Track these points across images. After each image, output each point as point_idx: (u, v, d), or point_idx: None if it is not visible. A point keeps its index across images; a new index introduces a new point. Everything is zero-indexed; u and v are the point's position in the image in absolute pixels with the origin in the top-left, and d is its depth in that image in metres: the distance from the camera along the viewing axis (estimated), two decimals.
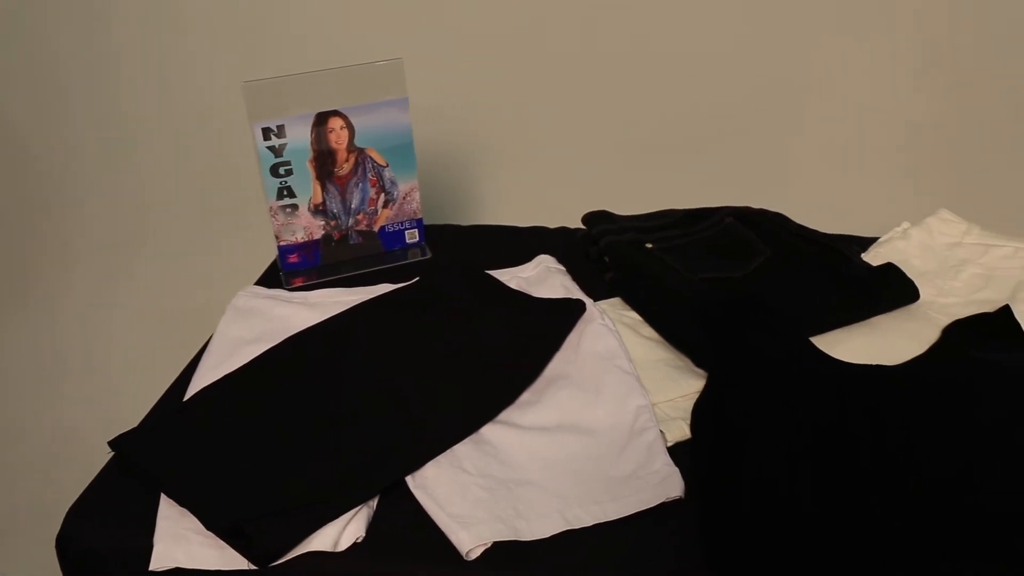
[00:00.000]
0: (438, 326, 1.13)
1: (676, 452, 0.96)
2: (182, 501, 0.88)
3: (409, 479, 0.92)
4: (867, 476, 0.88)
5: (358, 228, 1.32)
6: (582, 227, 1.35)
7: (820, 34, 1.69)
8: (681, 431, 0.98)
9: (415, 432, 0.97)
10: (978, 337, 1.06)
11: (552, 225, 1.42)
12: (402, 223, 1.34)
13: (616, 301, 1.21)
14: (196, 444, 0.95)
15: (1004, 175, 1.79)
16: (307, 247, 1.30)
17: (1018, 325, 1.07)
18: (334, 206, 1.29)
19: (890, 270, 1.19)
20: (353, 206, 1.30)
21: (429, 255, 1.36)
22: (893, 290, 1.17)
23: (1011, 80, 1.70)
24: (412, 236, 1.36)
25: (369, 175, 1.29)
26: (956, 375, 1.00)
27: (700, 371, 1.06)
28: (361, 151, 1.26)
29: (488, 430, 0.99)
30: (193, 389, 1.04)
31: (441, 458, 0.95)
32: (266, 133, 1.20)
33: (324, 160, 1.25)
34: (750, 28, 1.68)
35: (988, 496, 0.85)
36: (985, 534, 0.82)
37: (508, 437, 0.98)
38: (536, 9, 1.66)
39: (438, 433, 0.97)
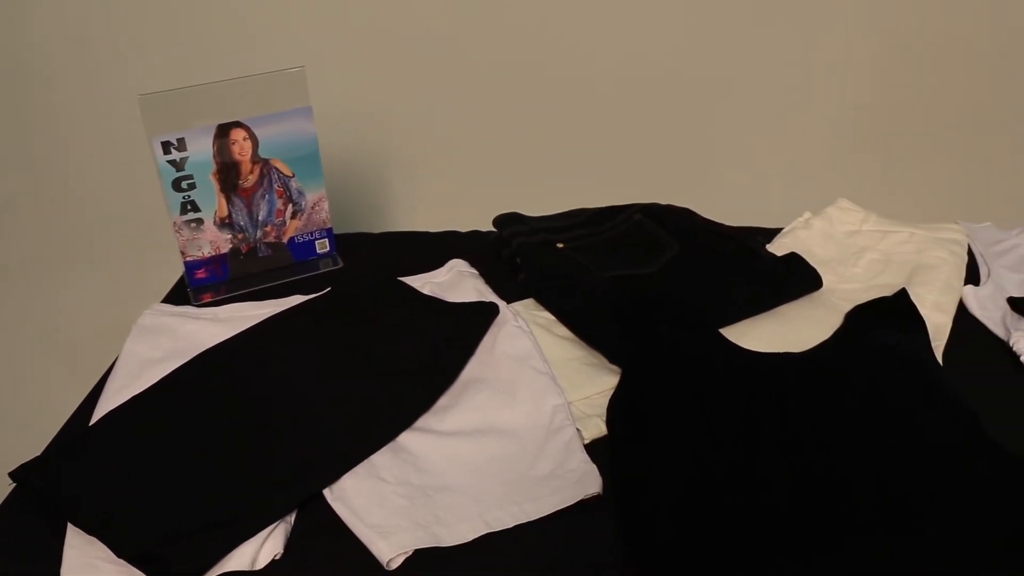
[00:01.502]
0: (351, 335, 1.12)
1: (594, 449, 0.97)
2: (90, 529, 0.85)
3: (327, 492, 0.91)
4: (776, 462, 0.90)
5: (266, 240, 1.30)
6: (494, 230, 1.35)
7: (726, 31, 1.72)
8: (598, 428, 0.99)
9: (331, 444, 0.96)
10: (878, 320, 1.10)
11: (464, 229, 1.42)
12: (312, 233, 1.33)
13: (529, 302, 1.22)
14: (103, 470, 0.93)
15: (905, 164, 1.86)
16: (215, 262, 1.27)
17: (914, 307, 1.12)
18: (241, 219, 1.26)
19: (794, 260, 1.22)
20: (260, 218, 1.28)
21: (341, 264, 1.34)
22: (797, 279, 1.20)
23: (917, 74, 1.76)
24: (323, 246, 1.34)
25: (275, 186, 1.27)
26: (858, 359, 1.03)
27: (614, 368, 1.07)
28: (266, 162, 1.24)
29: (406, 437, 0.98)
30: (99, 413, 1.01)
31: (359, 468, 0.94)
32: (166, 147, 1.17)
33: (228, 172, 1.22)
34: (656, 25, 1.71)
35: (892, 475, 0.88)
36: (889, 513, 0.85)
37: (426, 443, 0.97)
38: (439, 13, 1.66)
39: (355, 444, 0.96)
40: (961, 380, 1.04)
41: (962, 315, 1.18)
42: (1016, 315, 1.16)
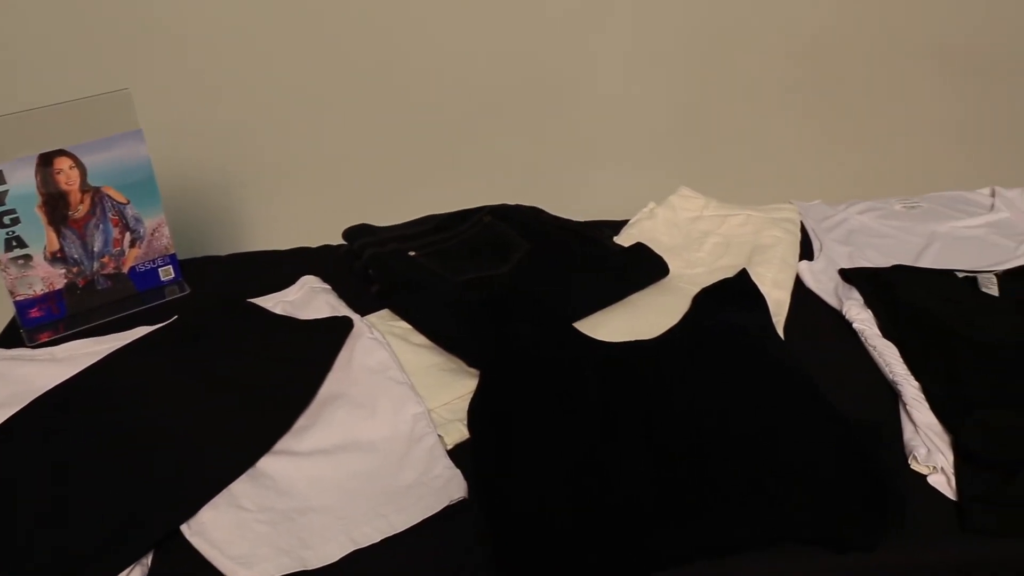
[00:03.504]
0: (202, 363, 1.08)
1: (457, 454, 0.97)
2: None
3: (185, 527, 0.88)
4: (636, 449, 0.92)
5: (105, 272, 1.24)
6: (344, 243, 1.33)
7: (561, 35, 1.75)
8: (460, 433, 1.00)
9: (186, 478, 0.92)
10: (722, 302, 1.14)
11: (314, 244, 1.40)
12: (154, 261, 1.28)
13: (385, 313, 1.21)
14: None
15: (739, 149, 1.94)
16: (49, 299, 1.21)
17: (754, 286, 1.17)
18: (74, 252, 1.20)
19: (640, 249, 1.26)
20: (96, 249, 1.22)
21: (188, 291, 1.30)
22: (644, 268, 1.23)
23: (743, 65, 1.84)
24: (167, 273, 1.30)
25: (109, 214, 1.21)
26: (706, 340, 1.07)
27: (473, 371, 1.07)
28: (97, 190, 1.19)
29: (265, 462, 0.96)
30: None
31: (218, 499, 0.91)
32: None
33: (55, 204, 1.16)
34: (495, 31, 1.72)
35: (743, 448, 0.92)
36: (744, 483, 0.88)
37: (286, 466, 0.95)
38: (272, 28, 1.63)
39: (211, 475, 0.93)
40: (802, 350, 1.10)
41: (799, 289, 1.24)
42: (847, 285, 1.23)
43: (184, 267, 1.32)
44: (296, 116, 1.72)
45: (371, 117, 1.75)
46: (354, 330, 1.13)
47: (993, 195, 1.47)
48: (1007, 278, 1.22)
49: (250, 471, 0.95)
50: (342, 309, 1.18)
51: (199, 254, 1.40)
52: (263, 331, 1.14)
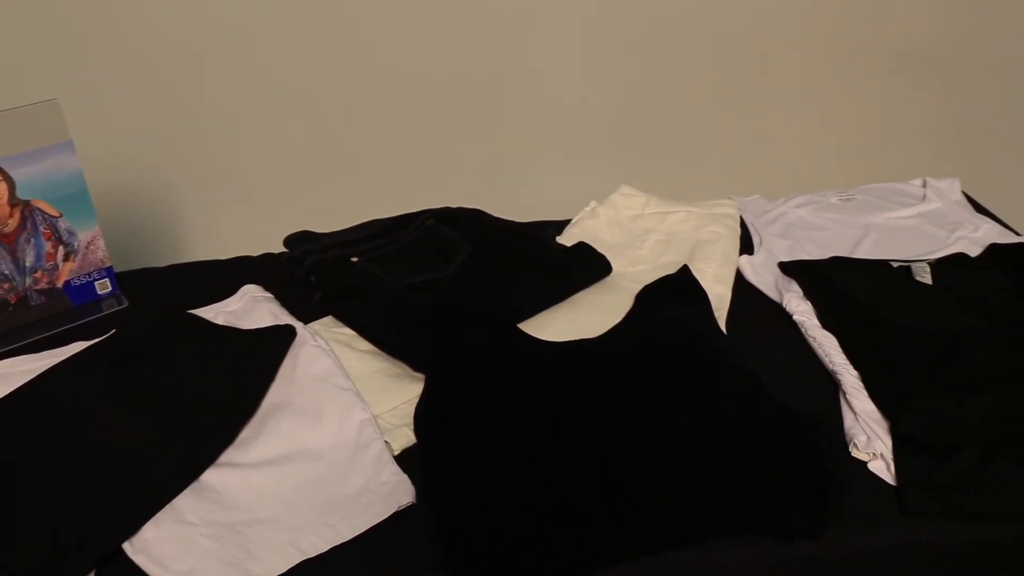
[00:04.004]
0: (142, 377, 1.06)
1: (405, 459, 0.97)
2: None
3: (127, 546, 0.86)
4: (582, 448, 0.93)
5: (38, 287, 1.21)
6: (285, 250, 1.32)
7: (507, 34, 1.76)
8: (407, 438, 0.99)
9: (128, 495, 0.91)
10: (665, 298, 1.15)
11: (255, 253, 1.38)
12: (89, 274, 1.25)
13: (328, 320, 1.20)
14: None
15: (676, 150, 1.96)
16: None
17: (696, 282, 1.18)
18: (4, 267, 1.17)
19: (582, 249, 1.27)
20: (28, 264, 1.19)
21: (126, 304, 1.27)
22: (587, 267, 1.24)
23: (680, 70, 1.86)
24: (103, 286, 1.27)
25: (41, 228, 1.18)
26: (649, 337, 1.08)
27: (418, 375, 1.07)
28: (26, 204, 1.16)
29: (209, 475, 0.94)
30: None
31: (161, 515, 0.89)
32: None
33: None
34: (437, 31, 1.72)
35: (689, 442, 0.93)
36: (691, 477, 0.89)
37: (231, 478, 0.94)
38: (202, 33, 1.61)
39: (153, 490, 0.91)
40: (744, 343, 1.12)
41: (740, 283, 1.26)
42: (787, 278, 1.25)
43: (121, 280, 1.29)
44: (232, 123, 1.70)
45: (310, 121, 1.74)
46: (297, 338, 1.11)
47: (924, 186, 1.51)
48: (939, 266, 1.25)
49: (194, 485, 0.93)
50: (285, 317, 1.17)
51: (137, 266, 1.38)
52: (204, 342, 1.12)
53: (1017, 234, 1.38)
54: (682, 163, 1.96)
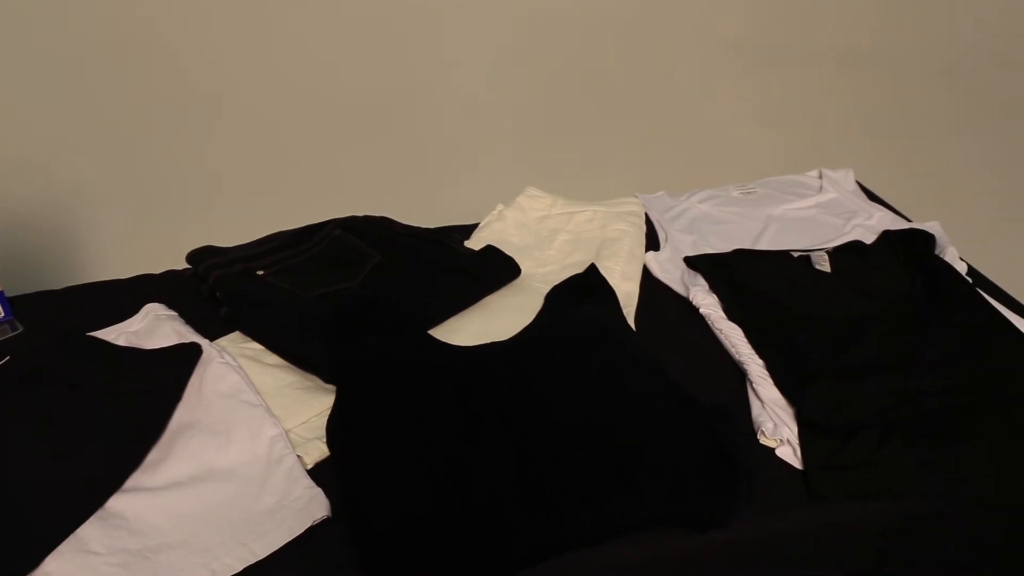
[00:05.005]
0: (41, 404, 1.02)
1: (319, 472, 0.95)
2: None
3: None
4: (498, 451, 0.93)
5: None
6: (188, 267, 1.29)
7: (416, 37, 1.75)
8: (320, 451, 0.98)
9: (28, 527, 0.87)
10: (573, 297, 1.17)
11: (157, 270, 1.35)
12: None
13: (236, 335, 1.17)
14: None
15: (581, 150, 1.98)
16: None
17: (604, 280, 1.19)
18: None
19: (491, 252, 1.27)
20: None
21: (20, 329, 1.22)
22: (496, 270, 1.24)
23: (581, 70, 1.88)
24: None
25: None
26: (559, 336, 1.09)
27: (330, 387, 1.06)
28: None
29: (115, 502, 0.92)
30: None
31: (63, 547, 0.86)
32: None
33: None
34: (339, 35, 1.70)
35: (602, 439, 0.94)
36: (606, 474, 0.90)
37: (138, 503, 0.91)
38: (82, 47, 1.56)
39: (55, 521, 0.88)
40: (653, 338, 1.13)
41: (647, 279, 1.28)
42: (692, 272, 1.27)
43: (15, 304, 1.24)
44: (127, 139, 1.65)
45: (207, 133, 1.70)
46: (203, 356, 1.09)
47: (821, 177, 1.56)
48: (837, 254, 1.29)
49: (99, 512, 0.90)
50: (190, 335, 1.14)
51: (31, 289, 1.33)
52: (106, 365, 1.08)
53: (908, 220, 1.43)
54: (587, 163, 1.98)
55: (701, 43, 1.95)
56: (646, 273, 1.29)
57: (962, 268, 1.28)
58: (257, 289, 1.20)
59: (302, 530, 0.88)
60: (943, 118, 2.27)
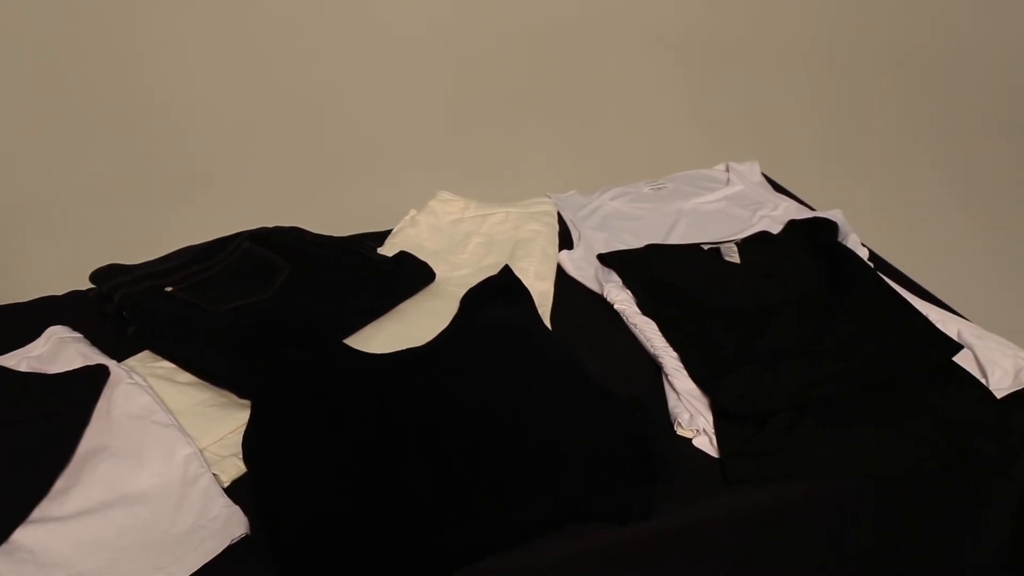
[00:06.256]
0: None
1: (236, 489, 0.94)
2: None
3: None
4: (419, 456, 0.92)
5: None
6: (93, 286, 1.25)
7: (324, 44, 1.73)
8: (236, 468, 0.96)
9: None
10: (488, 299, 1.17)
11: (59, 292, 1.30)
12: None
13: (145, 355, 1.14)
14: None
15: (493, 152, 1.99)
16: None
17: (518, 280, 1.20)
18: None
19: (405, 258, 1.26)
20: None
21: None
22: (410, 276, 1.24)
23: (490, 73, 1.89)
24: None
25: None
26: (475, 339, 1.09)
27: (245, 402, 1.04)
28: None
29: (21, 534, 0.88)
30: None
31: None
32: None
33: None
34: (249, 46, 1.67)
35: (520, 439, 0.94)
36: (527, 472, 0.91)
37: (46, 534, 0.88)
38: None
39: None
40: (569, 336, 1.15)
41: (561, 278, 1.29)
42: (606, 269, 1.29)
43: None
44: (18, 156, 1.60)
45: (108, 148, 1.65)
46: (111, 377, 1.06)
47: (727, 170, 1.59)
48: (746, 245, 1.32)
49: (4, 547, 0.87)
50: (96, 357, 1.10)
51: None
52: (6, 392, 1.04)
53: (812, 209, 1.47)
54: (501, 165, 1.99)
55: (612, 43, 1.97)
56: (560, 272, 1.30)
57: (864, 253, 1.32)
58: (166, 306, 1.17)
59: (220, 550, 0.86)
60: (845, 111, 2.35)
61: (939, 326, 1.13)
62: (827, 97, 2.31)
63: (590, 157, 2.07)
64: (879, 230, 1.54)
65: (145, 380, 1.07)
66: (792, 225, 1.37)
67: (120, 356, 1.12)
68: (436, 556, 0.84)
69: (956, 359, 1.08)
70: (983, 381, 1.07)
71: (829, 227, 1.33)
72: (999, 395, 1.05)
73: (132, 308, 1.18)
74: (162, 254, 1.32)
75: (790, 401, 1.01)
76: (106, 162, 1.66)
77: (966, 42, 2.37)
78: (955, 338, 1.11)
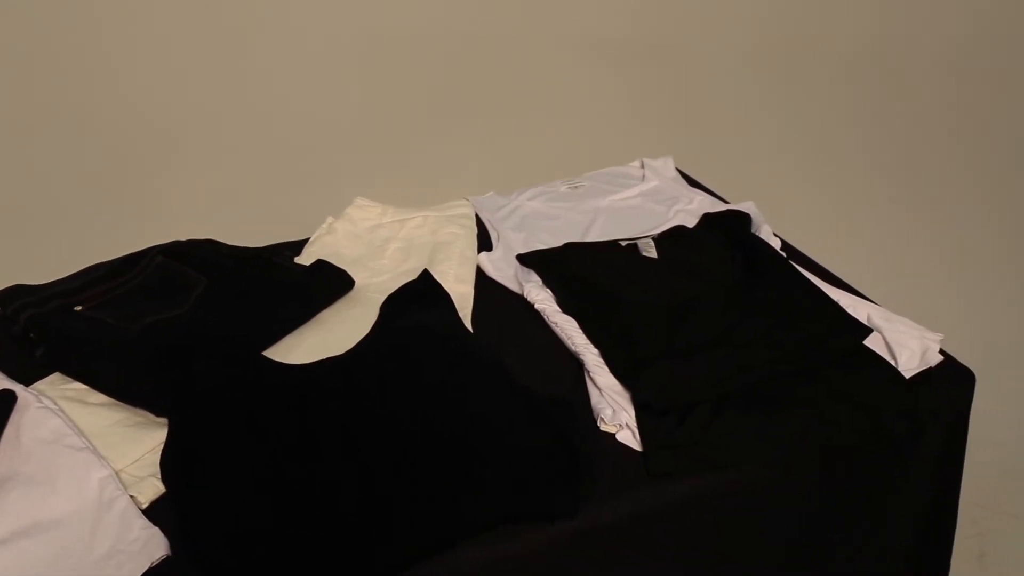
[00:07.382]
0: None
1: (156, 511, 0.92)
2: None
3: None
4: (340, 464, 0.91)
5: None
6: None
7: (236, 44, 1.70)
8: (155, 488, 0.94)
9: None
10: (408, 305, 1.16)
11: None
12: None
13: (55, 377, 1.11)
14: None
15: (412, 155, 1.98)
16: None
17: (437, 284, 1.19)
18: None
19: (322, 266, 1.25)
20: None
21: None
22: (329, 284, 1.23)
23: (408, 76, 1.88)
24: None
25: None
26: (396, 345, 1.08)
27: (161, 420, 1.01)
28: None
29: None
30: None
31: None
32: None
33: None
34: (141, 52, 1.64)
35: (445, 444, 0.94)
36: (454, 476, 0.90)
37: None
38: None
39: None
40: (491, 338, 1.15)
41: (481, 280, 1.29)
42: (525, 269, 1.29)
43: None
44: None
45: (12, 161, 1.60)
46: (19, 402, 1.02)
47: (643, 167, 1.61)
48: (662, 240, 1.34)
49: None
50: (2, 382, 1.07)
51: None
52: None
53: (726, 202, 1.50)
54: (418, 170, 1.98)
55: (529, 46, 1.98)
56: (480, 274, 1.30)
57: (776, 243, 1.35)
58: (76, 325, 1.14)
59: (141, 573, 0.84)
60: (755, 107, 2.40)
61: (850, 311, 1.16)
62: (741, 95, 2.36)
63: (512, 159, 2.08)
64: (794, 219, 1.58)
65: (56, 403, 1.03)
66: (707, 218, 1.39)
67: (28, 380, 1.08)
68: (363, 566, 0.83)
69: (867, 342, 1.12)
70: (892, 362, 1.10)
71: (742, 219, 1.36)
72: (907, 375, 1.09)
73: (40, 329, 1.14)
74: (70, 272, 1.28)
75: (708, 393, 1.03)
76: (12, 177, 1.61)
77: (881, 40, 2.44)
78: (865, 322, 1.15)
